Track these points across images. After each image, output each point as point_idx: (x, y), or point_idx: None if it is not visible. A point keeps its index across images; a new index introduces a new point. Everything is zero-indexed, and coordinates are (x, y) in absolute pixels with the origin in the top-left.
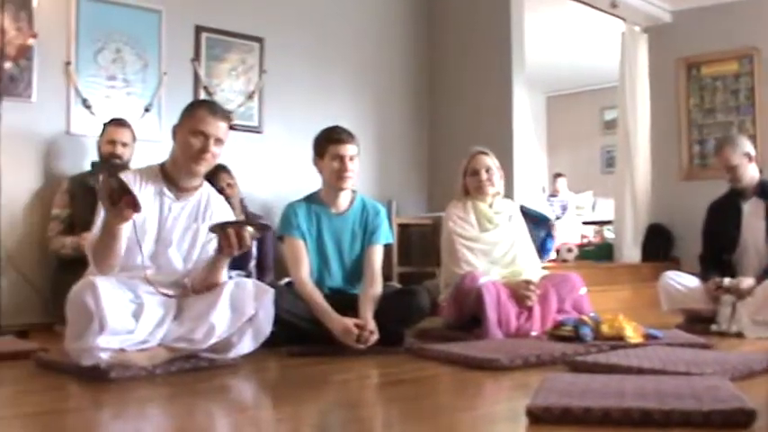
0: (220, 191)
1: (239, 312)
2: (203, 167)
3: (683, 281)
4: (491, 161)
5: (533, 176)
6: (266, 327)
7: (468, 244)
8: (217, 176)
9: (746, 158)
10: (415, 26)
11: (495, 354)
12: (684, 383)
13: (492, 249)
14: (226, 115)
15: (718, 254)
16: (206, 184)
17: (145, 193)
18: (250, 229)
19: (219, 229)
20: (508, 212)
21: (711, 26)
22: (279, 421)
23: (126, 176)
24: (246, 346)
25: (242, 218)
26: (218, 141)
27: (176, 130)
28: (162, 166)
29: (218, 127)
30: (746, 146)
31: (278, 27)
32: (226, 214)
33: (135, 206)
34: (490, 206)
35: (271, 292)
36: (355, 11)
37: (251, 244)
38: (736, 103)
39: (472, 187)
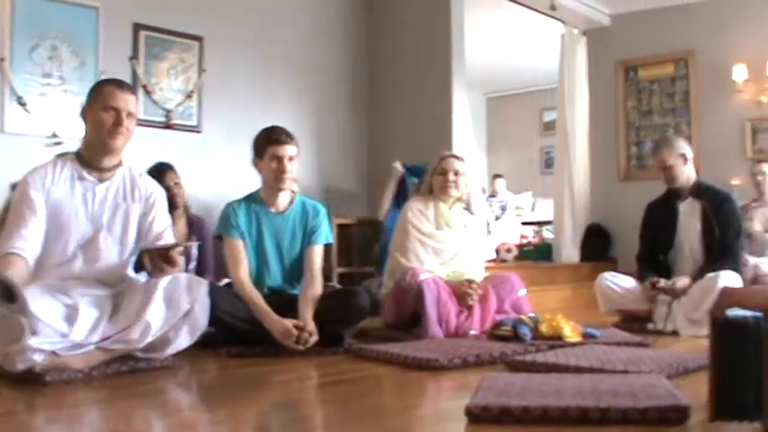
0: (167, 189)
1: (174, 308)
2: (119, 141)
3: (619, 282)
4: (461, 166)
5: (474, 177)
6: (202, 320)
7: (421, 238)
8: (163, 175)
9: (682, 159)
10: (356, 27)
11: (435, 354)
12: (621, 381)
13: (443, 249)
14: (132, 89)
15: (655, 254)
16: (126, 163)
17: (62, 181)
18: (180, 248)
19: (148, 254)
20: (464, 221)
21: (649, 30)
22: (218, 423)
23: (39, 172)
24: (183, 341)
25: (170, 242)
26: (130, 115)
27: (86, 112)
28: (77, 153)
29: (128, 100)
30: (682, 147)
31: (217, 26)
32: (157, 192)
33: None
34: (450, 209)
35: (205, 284)
36: (295, 11)
37: (181, 263)
38: (672, 105)
39: (437, 186)
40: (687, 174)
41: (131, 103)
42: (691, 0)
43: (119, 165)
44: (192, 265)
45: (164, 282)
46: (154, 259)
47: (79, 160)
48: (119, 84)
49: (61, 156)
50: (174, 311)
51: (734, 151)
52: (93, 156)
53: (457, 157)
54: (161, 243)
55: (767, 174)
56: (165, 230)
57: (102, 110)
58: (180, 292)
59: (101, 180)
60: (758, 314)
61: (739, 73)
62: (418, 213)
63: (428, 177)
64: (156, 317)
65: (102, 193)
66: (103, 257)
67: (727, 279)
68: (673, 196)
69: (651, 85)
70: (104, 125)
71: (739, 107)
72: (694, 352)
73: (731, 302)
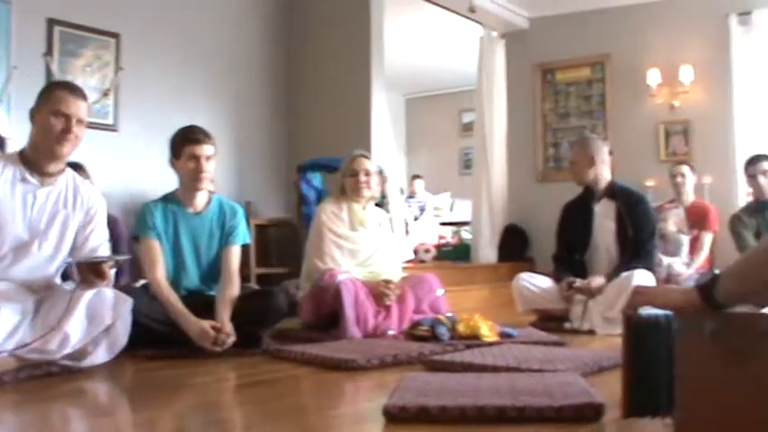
0: None
1: (96, 322)
2: (67, 148)
3: (536, 282)
4: (371, 165)
5: (392, 178)
6: (122, 338)
7: (336, 240)
8: None
9: (588, 160)
10: (276, 27)
11: (352, 354)
12: (538, 380)
13: (359, 250)
14: (84, 95)
15: (571, 253)
16: (69, 170)
17: (3, 180)
18: (111, 262)
19: (78, 265)
20: (379, 219)
21: (566, 33)
22: (136, 426)
23: None
24: (101, 356)
25: (103, 256)
26: (80, 122)
27: (34, 114)
28: (21, 153)
29: (79, 107)
30: (596, 147)
31: (135, 23)
32: (98, 203)
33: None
34: (364, 209)
35: (129, 302)
36: (215, 10)
37: (111, 277)
38: (588, 107)
39: (350, 188)
40: (596, 174)
41: (83, 110)
42: (607, 5)
43: (63, 170)
44: (123, 279)
45: (89, 294)
46: (84, 271)
47: (23, 161)
48: (71, 88)
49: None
50: (95, 326)
51: (648, 153)
52: (38, 159)
53: (366, 157)
54: (94, 256)
55: (686, 176)
56: (101, 245)
57: (51, 114)
58: (104, 306)
59: (43, 184)
60: (669, 312)
61: (653, 77)
62: (332, 216)
63: (340, 179)
64: (75, 329)
65: (43, 198)
66: (35, 263)
67: (641, 278)
68: (588, 197)
69: (568, 88)
70: (53, 130)
71: (653, 111)
72: (609, 350)
73: (643, 301)
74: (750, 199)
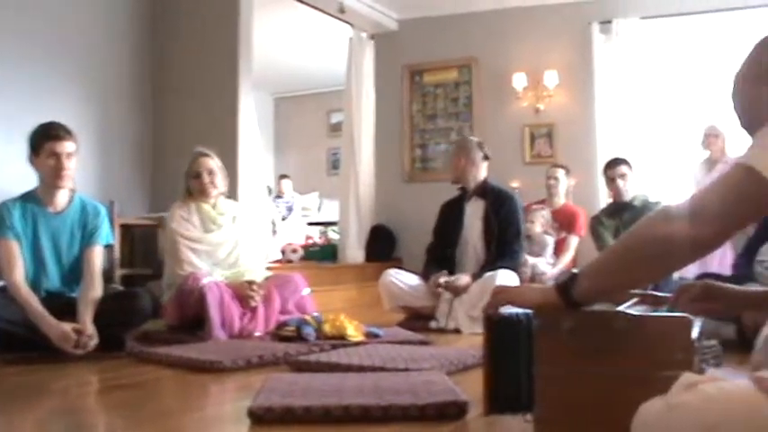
0: None
1: None
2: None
3: (403, 278)
4: (213, 163)
5: (259, 177)
6: None
7: (191, 245)
8: None
9: (474, 160)
10: (142, 23)
11: (218, 355)
12: (403, 379)
13: (215, 250)
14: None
15: (444, 250)
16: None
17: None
18: None
19: None
20: (232, 213)
21: (434, 36)
22: None
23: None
24: None
25: None
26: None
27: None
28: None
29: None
30: (476, 149)
31: None
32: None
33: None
34: (213, 207)
35: None
36: (80, 5)
37: None
38: (456, 109)
39: (195, 190)
40: (474, 175)
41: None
42: (474, 9)
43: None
44: None
45: None
46: None
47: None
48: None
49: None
50: None
51: (514, 155)
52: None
53: (207, 155)
54: None
55: (559, 179)
56: None
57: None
58: None
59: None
60: (528, 311)
61: (519, 81)
62: (182, 220)
63: (185, 180)
64: None
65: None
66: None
67: (504, 278)
68: (463, 196)
69: (436, 90)
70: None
71: (519, 113)
72: (474, 349)
73: (503, 300)
74: (610, 200)
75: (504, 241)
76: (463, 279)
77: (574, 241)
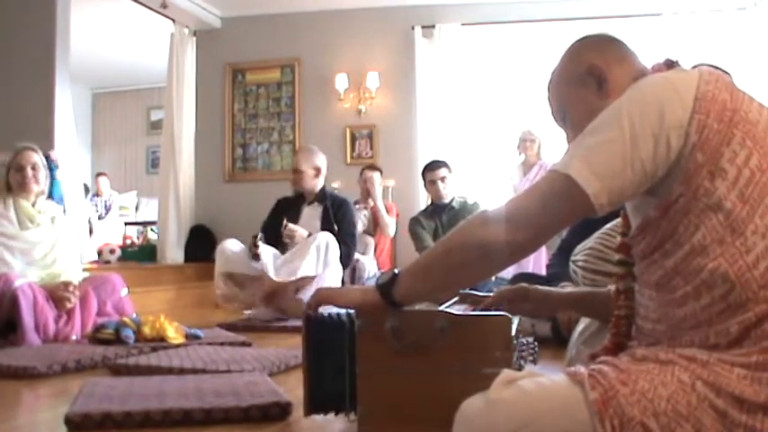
0: None
1: None
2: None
3: (235, 246)
4: (38, 158)
5: (75, 174)
6: None
7: (6, 242)
8: None
9: (315, 171)
10: None
11: (31, 361)
12: (225, 381)
13: (31, 249)
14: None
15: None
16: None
17: None
18: None
19: None
20: (52, 213)
21: (258, 35)
22: None
23: None
24: None
25: None
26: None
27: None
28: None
29: (28, 158)
30: (321, 159)
31: None
32: None
33: None
34: (33, 205)
35: None
36: None
37: None
38: (278, 109)
39: (16, 184)
40: (314, 183)
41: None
42: (298, 10)
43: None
44: None
45: None
46: None
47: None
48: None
49: None
50: None
51: (336, 156)
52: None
53: (33, 149)
54: None
55: (375, 181)
56: None
57: (14, 172)
58: None
59: None
60: (350, 311)
61: (341, 82)
62: None
63: (4, 174)
64: None
65: None
66: None
67: (328, 276)
68: (300, 200)
69: (258, 89)
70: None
71: (341, 114)
72: (296, 349)
73: (324, 300)
74: (429, 202)
75: (340, 241)
76: (302, 231)
77: (388, 239)
